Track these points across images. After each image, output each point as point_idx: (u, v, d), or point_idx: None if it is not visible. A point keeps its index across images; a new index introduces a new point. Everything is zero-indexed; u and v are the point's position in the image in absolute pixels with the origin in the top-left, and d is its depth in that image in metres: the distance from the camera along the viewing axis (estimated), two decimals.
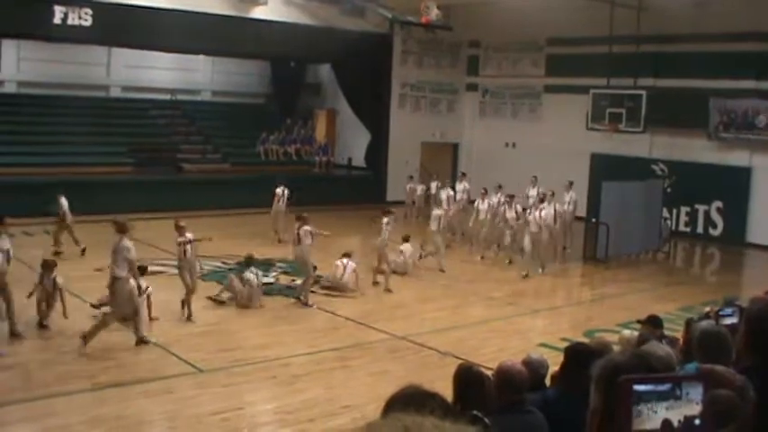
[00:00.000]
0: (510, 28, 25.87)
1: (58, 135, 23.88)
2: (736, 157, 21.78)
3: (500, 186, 20.64)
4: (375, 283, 15.02)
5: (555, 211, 17.57)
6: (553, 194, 18.23)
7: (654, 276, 17.73)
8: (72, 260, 14.52)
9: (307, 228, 13.55)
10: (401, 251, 16.17)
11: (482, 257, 18.21)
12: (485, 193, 19.24)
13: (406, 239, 16.43)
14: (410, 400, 2.30)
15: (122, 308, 10.62)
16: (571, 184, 19.76)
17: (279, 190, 19.40)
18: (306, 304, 13.32)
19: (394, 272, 15.36)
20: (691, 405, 2.13)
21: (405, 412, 1.56)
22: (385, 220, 15.15)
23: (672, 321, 10.38)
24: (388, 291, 14.61)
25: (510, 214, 17.91)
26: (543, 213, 17.04)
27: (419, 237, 18.19)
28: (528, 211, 17.59)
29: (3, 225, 11.11)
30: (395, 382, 2.59)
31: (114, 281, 10.47)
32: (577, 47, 24.42)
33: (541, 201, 17.58)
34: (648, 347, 4.12)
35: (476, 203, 19.30)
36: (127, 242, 10.56)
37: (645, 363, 2.63)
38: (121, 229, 10.65)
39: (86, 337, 10.38)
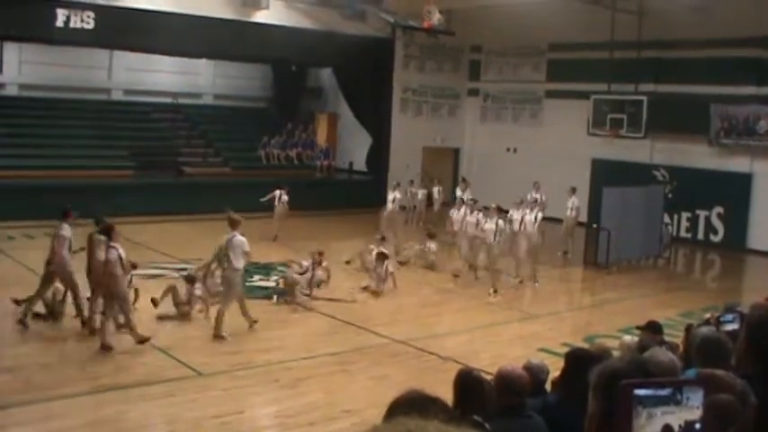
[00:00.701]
0: (511, 33, 25.89)
1: (60, 138, 23.89)
2: (737, 163, 21.78)
3: (463, 179, 20.65)
4: (364, 289, 14.96)
5: (536, 219, 16.32)
6: (536, 201, 17.08)
7: (654, 282, 17.72)
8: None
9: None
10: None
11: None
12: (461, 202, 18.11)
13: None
14: (412, 405, 2.31)
15: (233, 295, 11.60)
16: (574, 189, 19.77)
17: (276, 192, 19.79)
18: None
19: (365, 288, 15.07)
20: (691, 410, 2.13)
21: (408, 416, 1.57)
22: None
23: (672, 327, 10.38)
24: (375, 293, 14.62)
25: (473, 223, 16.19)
26: (522, 220, 16.06)
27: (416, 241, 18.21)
28: (484, 219, 15.75)
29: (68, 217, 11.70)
30: (395, 386, 2.60)
31: (233, 272, 11.38)
32: (578, 52, 24.47)
33: (500, 210, 15.71)
34: (651, 353, 4.13)
35: (451, 212, 18.13)
36: (241, 237, 11.41)
37: (642, 368, 2.63)
38: (235, 225, 11.54)
39: (216, 332, 11.37)
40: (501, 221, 15.43)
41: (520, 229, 16.26)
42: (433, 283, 16.10)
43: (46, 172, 21.51)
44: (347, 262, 16.75)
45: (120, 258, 10.68)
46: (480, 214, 16.03)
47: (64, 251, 11.51)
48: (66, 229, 11.60)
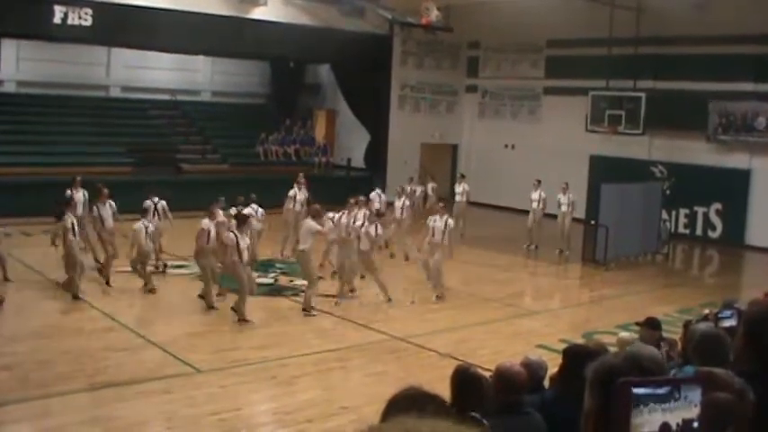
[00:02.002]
0: (510, 30, 25.88)
1: (58, 135, 23.84)
2: (736, 160, 21.78)
3: (462, 176, 20.70)
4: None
5: (446, 225, 14.13)
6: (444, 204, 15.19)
7: (653, 278, 17.72)
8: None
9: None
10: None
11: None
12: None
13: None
14: (410, 402, 2.30)
15: (312, 273, 13.08)
16: (567, 185, 19.72)
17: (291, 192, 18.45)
18: (309, 313, 12.96)
19: None
20: (689, 408, 2.12)
21: (407, 414, 1.55)
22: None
23: (671, 323, 10.38)
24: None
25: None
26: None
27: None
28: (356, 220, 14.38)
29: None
30: (393, 383, 2.59)
31: (301, 253, 12.96)
32: (577, 49, 24.43)
33: (379, 214, 14.50)
34: (635, 348, 4.11)
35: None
36: (312, 222, 12.96)
37: (638, 364, 2.62)
38: (316, 215, 13.22)
39: (306, 308, 12.83)
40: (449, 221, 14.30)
41: (433, 236, 14.31)
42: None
43: (44, 169, 21.46)
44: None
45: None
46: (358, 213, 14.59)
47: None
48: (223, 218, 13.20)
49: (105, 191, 15.06)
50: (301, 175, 19.15)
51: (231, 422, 8.43)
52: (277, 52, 25.45)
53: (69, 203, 14.33)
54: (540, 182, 20.19)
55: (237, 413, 8.73)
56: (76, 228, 13.34)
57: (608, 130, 23.11)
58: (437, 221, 14.20)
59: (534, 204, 19.93)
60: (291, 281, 14.79)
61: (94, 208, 14.84)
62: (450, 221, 14.47)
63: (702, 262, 21.73)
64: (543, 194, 19.88)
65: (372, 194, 18.36)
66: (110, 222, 14.78)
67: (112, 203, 14.97)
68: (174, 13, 21.40)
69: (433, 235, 14.12)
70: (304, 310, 12.84)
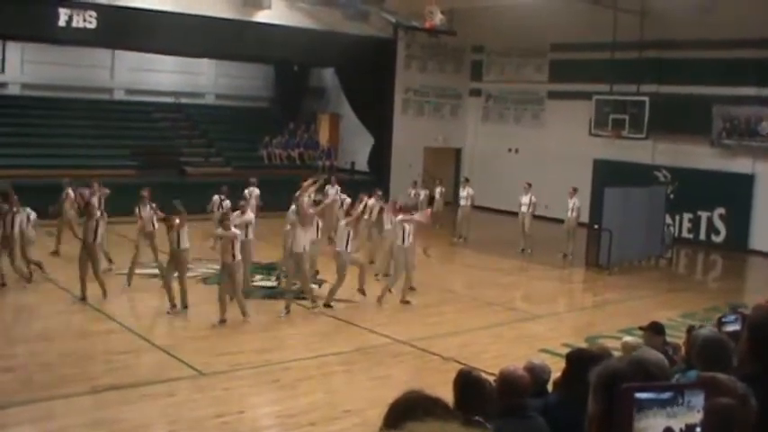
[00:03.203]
0: (513, 33, 25.87)
1: (62, 137, 23.91)
2: (739, 164, 21.76)
3: (466, 179, 20.78)
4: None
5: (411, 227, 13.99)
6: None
7: (656, 283, 17.70)
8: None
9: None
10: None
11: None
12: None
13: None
14: (413, 405, 2.30)
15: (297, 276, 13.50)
16: (575, 190, 19.72)
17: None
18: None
19: None
20: (692, 413, 2.12)
21: (412, 418, 1.55)
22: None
23: (674, 328, 10.36)
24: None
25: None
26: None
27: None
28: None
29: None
30: (396, 386, 2.58)
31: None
32: (581, 53, 24.43)
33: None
34: (640, 353, 4.11)
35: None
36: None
37: (643, 369, 2.62)
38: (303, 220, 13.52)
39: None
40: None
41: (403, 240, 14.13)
42: (433, 284, 16.06)
43: (47, 171, 21.48)
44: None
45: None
46: None
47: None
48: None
49: (144, 193, 15.24)
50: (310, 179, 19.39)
51: (234, 425, 8.43)
52: (281, 56, 25.48)
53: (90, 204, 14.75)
54: (530, 185, 20.13)
55: (240, 416, 8.73)
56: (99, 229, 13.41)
57: (612, 135, 23.09)
58: (406, 225, 14.04)
59: (524, 208, 19.85)
60: (294, 284, 14.75)
61: (136, 209, 15.04)
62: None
63: (706, 266, 21.70)
64: (534, 198, 19.84)
65: (331, 191, 19.40)
66: (149, 225, 14.86)
67: (153, 205, 15.07)
68: (178, 16, 21.44)
69: (403, 240, 13.99)
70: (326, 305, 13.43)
